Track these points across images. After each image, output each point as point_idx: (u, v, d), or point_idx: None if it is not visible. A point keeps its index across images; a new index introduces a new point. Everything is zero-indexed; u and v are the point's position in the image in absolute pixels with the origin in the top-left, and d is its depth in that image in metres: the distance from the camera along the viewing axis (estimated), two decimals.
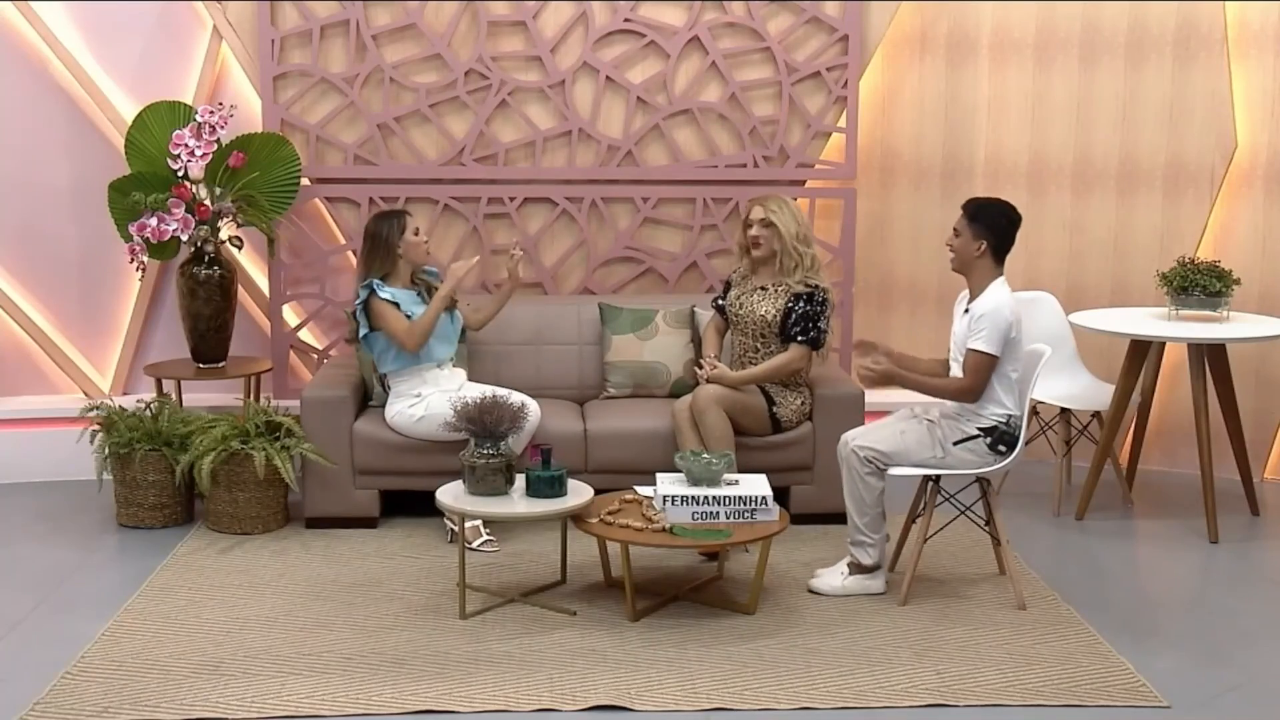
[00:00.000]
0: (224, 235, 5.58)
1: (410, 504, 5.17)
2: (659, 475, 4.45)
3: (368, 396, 5.32)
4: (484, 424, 4.29)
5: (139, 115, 5.55)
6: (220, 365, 5.65)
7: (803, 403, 5.09)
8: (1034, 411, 5.44)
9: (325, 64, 5.81)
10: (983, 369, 4.31)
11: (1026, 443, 4.49)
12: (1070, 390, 5.50)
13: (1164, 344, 5.46)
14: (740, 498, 4.25)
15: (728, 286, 5.22)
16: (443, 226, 5.93)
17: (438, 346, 5.06)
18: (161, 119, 5.52)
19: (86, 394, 5.89)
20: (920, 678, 3.82)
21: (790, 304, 4.95)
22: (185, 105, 5.58)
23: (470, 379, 5.21)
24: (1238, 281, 5.29)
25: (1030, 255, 6.05)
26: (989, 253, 4.38)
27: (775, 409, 5.01)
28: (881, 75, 6.07)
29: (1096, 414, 5.52)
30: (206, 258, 5.50)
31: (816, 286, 4.98)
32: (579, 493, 4.35)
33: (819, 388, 5.16)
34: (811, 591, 4.45)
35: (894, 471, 4.38)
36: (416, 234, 5.07)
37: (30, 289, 5.94)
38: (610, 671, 3.83)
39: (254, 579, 4.60)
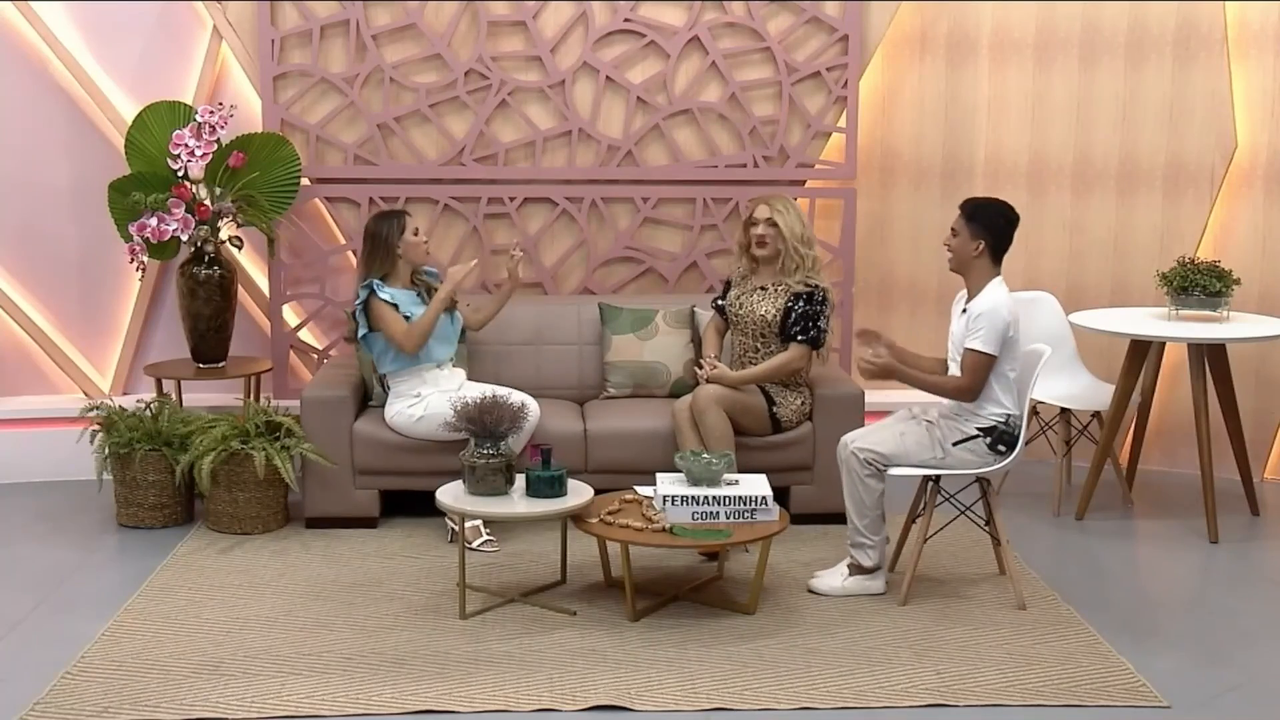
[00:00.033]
0: (224, 235, 5.58)
1: (410, 504, 5.17)
2: (659, 475, 4.45)
3: (368, 396, 5.32)
4: (484, 424, 4.29)
5: (139, 115, 5.56)
6: (220, 365, 5.65)
7: (803, 403, 5.09)
8: (1034, 411, 5.44)
9: (325, 64, 5.81)
10: (980, 368, 4.31)
11: (1026, 443, 4.49)
12: (1070, 390, 5.50)
13: (1164, 344, 5.46)
14: (740, 498, 4.25)
15: (727, 286, 5.22)
16: (443, 226, 5.93)
17: (437, 347, 5.06)
18: (161, 119, 5.52)
19: (86, 394, 5.89)
20: (920, 678, 3.82)
21: (790, 303, 4.95)
22: (185, 105, 5.59)
23: (470, 379, 5.21)
24: (1238, 281, 5.29)
25: (1030, 255, 6.06)
26: (987, 252, 4.38)
27: (775, 409, 5.01)
28: (881, 75, 6.07)
29: (1096, 414, 5.52)
30: (206, 258, 5.50)
31: (816, 286, 4.98)
32: (579, 493, 4.35)
33: (819, 388, 5.17)
34: (811, 592, 4.45)
35: (894, 472, 4.39)
36: (416, 234, 5.07)
37: (30, 289, 5.94)
38: (610, 671, 3.84)
39: (254, 579, 4.60)
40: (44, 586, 4.57)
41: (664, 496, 4.25)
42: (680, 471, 4.38)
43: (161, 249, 5.43)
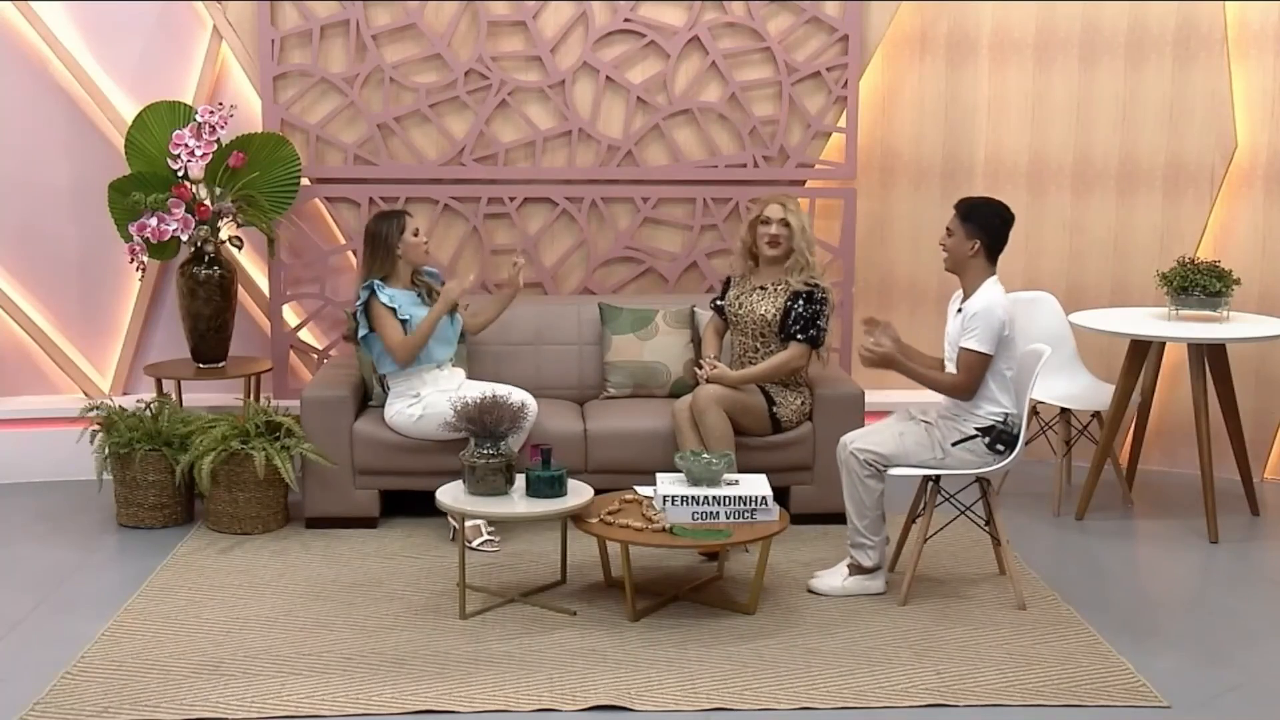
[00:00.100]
0: (224, 235, 5.58)
1: (410, 504, 5.17)
2: (659, 475, 4.45)
3: (367, 396, 5.32)
4: (484, 424, 4.29)
5: (139, 115, 5.56)
6: (220, 365, 5.65)
7: (803, 403, 5.09)
8: (1034, 411, 5.44)
9: (325, 64, 5.81)
10: (976, 367, 4.32)
11: (1026, 443, 4.49)
12: (1070, 390, 5.50)
13: (1164, 344, 5.46)
14: (740, 498, 4.25)
15: (726, 286, 5.22)
16: (443, 226, 5.93)
17: (437, 348, 5.06)
18: (161, 119, 5.52)
19: (86, 394, 5.89)
20: (920, 678, 3.82)
21: (790, 302, 4.95)
22: (185, 105, 5.59)
23: (470, 378, 5.21)
24: (1238, 281, 5.29)
25: (1030, 255, 6.06)
26: (982, 252, 4.38)
27: (775, 409, 5.01)
28: (881, 75, 6.07)
29: (1096, 414, 5.52)
30: (206, 258, 5.50)
31: (816, 285, 4.98)
32: (579, 493, 4.35)
33: (819, 388, 5.17)
34: (811, 592, 4.45)
35: (894, 472, 4.39)
36: (416, 235, 5.07)
37: (30, 289, 5.94)
38: (610, 671, 3.83)
39: (254, 579, 4.60)
40: (44, 586, 4.57)
41: (664, 496, 4.25)
42: (680, 471, 4.38)
43: (161, 249, 5.43)
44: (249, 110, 5.82)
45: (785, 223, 4.98)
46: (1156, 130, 5.90)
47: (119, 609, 4.30)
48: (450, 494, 4.34)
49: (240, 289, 5.77)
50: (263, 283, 6.00)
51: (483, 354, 5.48)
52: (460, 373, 5.18)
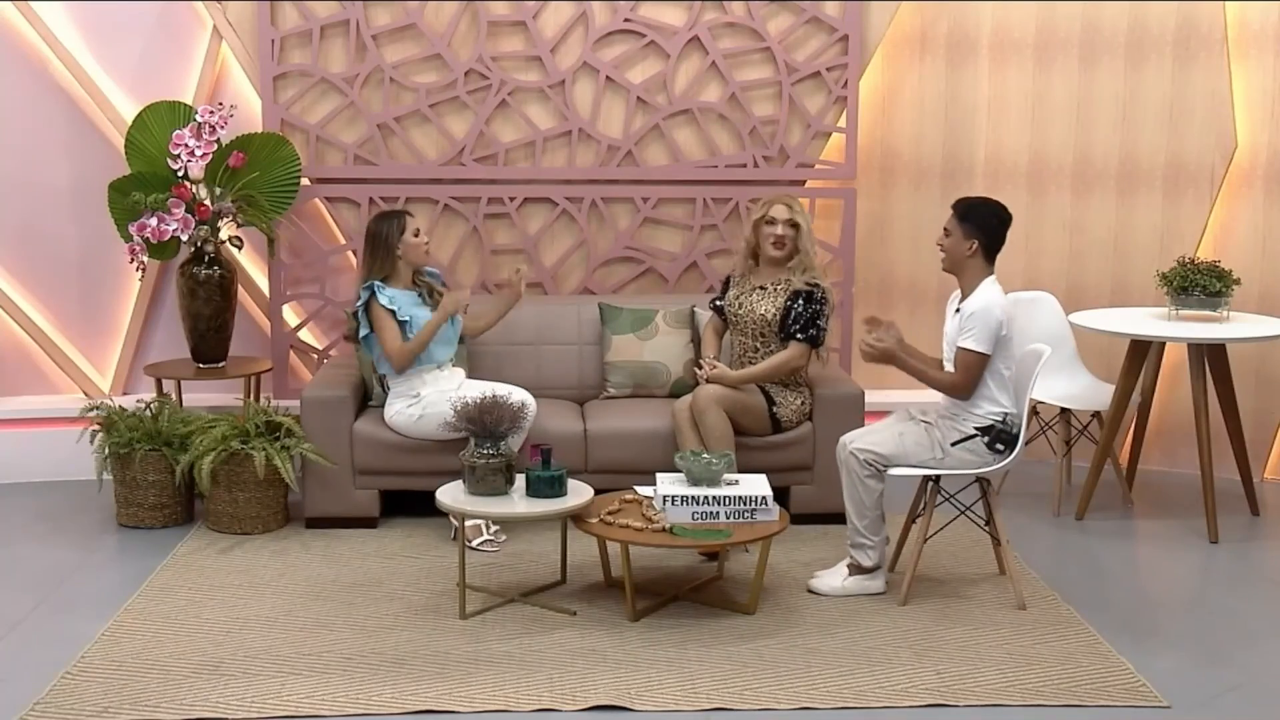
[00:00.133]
0: (224, 235, 5.58)
1: (410, 504, 5.17)
2: (659, 475, 4.45)
3: (367, 396, 5.32)
4: (484, 424, 4.29)
5: (139, 115, 5.56)
6: (220, 365, 5.65)
7: (803, 403, 5.09)
8: (1034, 411, 5.44)
9: (325, 64, 5.81)
10: (973, 367, 4.32)
11: (1026, 443, 4.49)
12: (1070, 390, 5.50)
13: (1164, 344, 5.46)
14: (740, 498, 4.25)
15: (726, 286, 5.22)
16: (443, 226, 5.93)
17: (437, 349, 5.06)
18: (161, 119, 5.52)
19: (86, 394, 5.89)
20: (920, 678, 3.82)
21: (790, 302, 4.95)
22: (185, 105, 5.59)
23: (470, 378, 5.21)
24: (1238, 281, 5.29)
25: (1030, 255, 6.06)
26: (980, 252, 4.38)
27: (775, 409, 5.01)
28: (881, 75, 6.07)
29: (1096, 414, 5.52)
30: (206, 258, 5.50)
31: (817, 285, 4.98)
32: (579, 493, 4.35)
33: (819, 388, 5.17)
34: (811, 592, 4.45)
35: (893, 472, 4.39)
36: (416, 235, 5.07)
37: (30, 289, 5.94)
38: (610, 671, 3.84)
39: (254, 579, 4.60)
40: (44, 586, 4.57)
41: (664, 496, 4.25)
42: (680, 471, 4.38)
43: (161, 249, 5.43)
44: (249, 110, 5.82)
45: (791, 223, 4.98)
46: (1156, 130, 5.90)
47: (119, 609, 4.31)
48: (450, 494, 4.34)
49: (240, 289, 5.77)
50: (263, 283, 6.00)
51: (483, 354, 5.48)
52: (460, 373, 5.18)
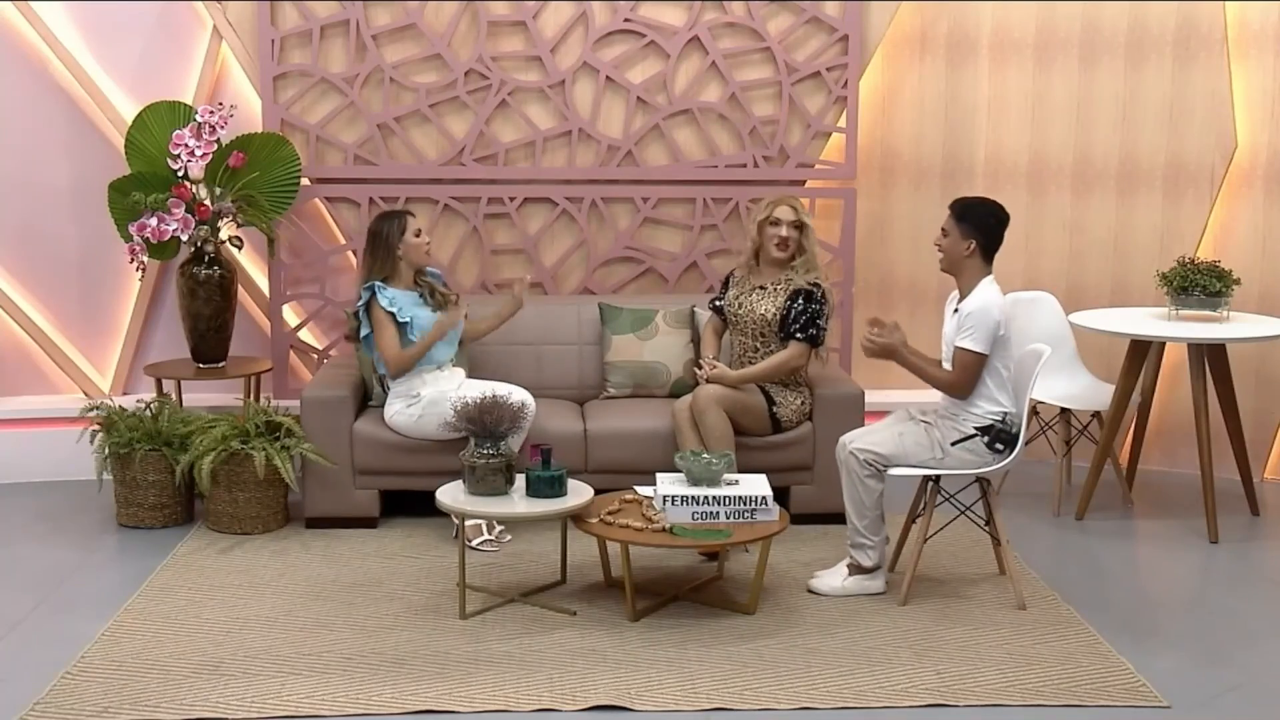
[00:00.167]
0: (224, 235, 5.58)
1: (410, 504, 5.17)
2: (659, 475, 4.45)
3: (367, 396, 5.32)
4: (484, 424, 4.29)
5: (139, 115, 5.56)
6: (220, 365, 5.65)
7: (803, 403, 5.09)
8: (1034, 411, 5.44)
9: (325, 64, 5.81)
10: (971, 367, 4.32)
11: (1026, 443, 4.49)
12: (1070, 390, 5.50)
13: (1164, 344, 5.47)
14: (740, 498, 4.25)
15: (725, 286, 5.22)
16: (443, 226, 5.93)
17: (438, 349, 5.06)
18: (161, 119, 5.52)
19: (86, 394, 5.89)
20: (920, 678, 3.82)
21: (790, 302, 4.95)
22: (185, 105, 5.58)
23: (470, 378, 5.21)
24: (1238, 281, 5.29)
25: (1030, 255, 6.06)
26: (978, 252, 4.38)
27: (775, 409, 5.01)
28: (881, 75, 6.07)
29: (1096, 414, 5.52)
30: (206, 258, 5.50)
31: (818, 284, 4.98)
32: (579, 493, 4.35)
33: (819, 388, 5.17)
34: (811, 592, 4.45)
35: (893, 472, 4.39)
36: (418, 235, 5.06)
37: (30, 289, 5.94)
38: (610, 671, 3.84)
39: (254, 579, 4.60)
40: (44, 586, 4.57)
41: (664, 496, 4.25)
42: (680, 471, 4.38)
43: (161, 249, 5.43)
44: (249, 110, 5.82)
45: (795, 225, 4.98)
46: (1156, 130, 5.90)
47: (119, 609, 4.31)
48: (450, 494, 4.34)
49: (240, 289, 5.77)
50: (263, 283, 6.00)
51: (483, 354, 5.48)
52: (460, 372, 5.18)
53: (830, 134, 5.98)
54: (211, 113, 5.42)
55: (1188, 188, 5.89)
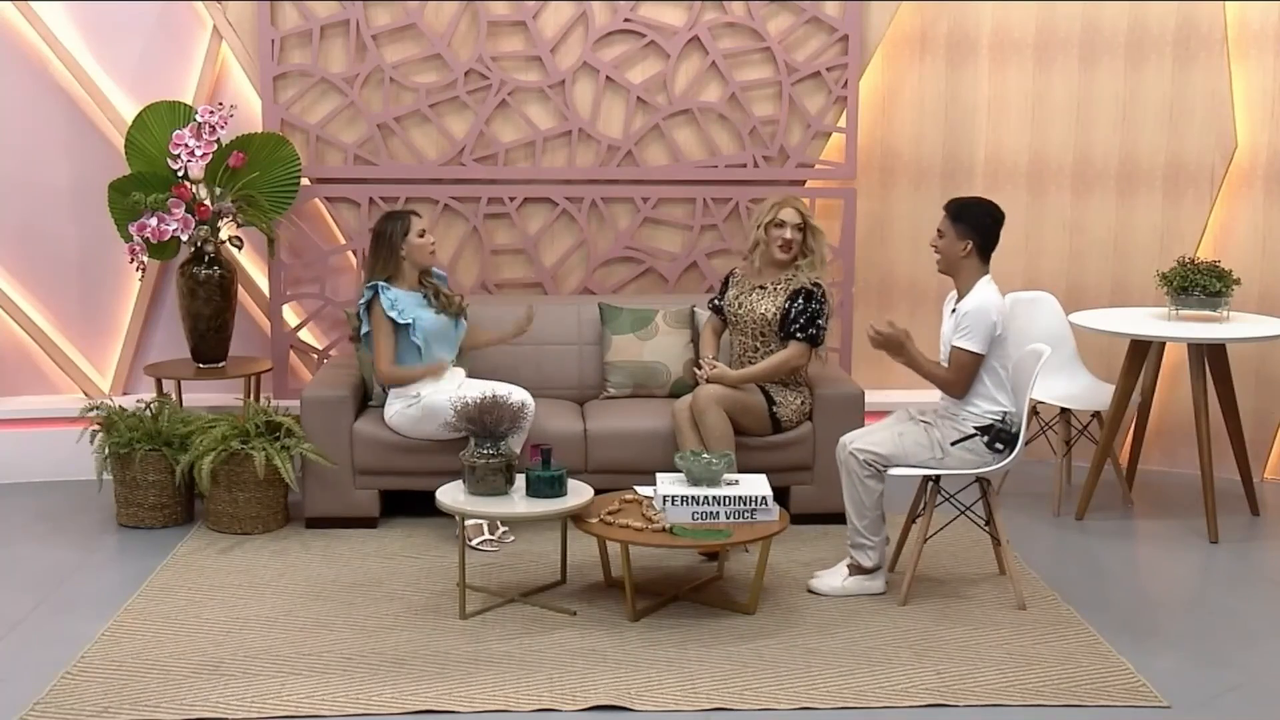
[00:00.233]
0: (224, 235, 5.58)
1: (410, 504, 5.17)
2: (659, 475, 4.45)
3: (368, 396, 5.32)
4: (484, 424, 4.29)
5: (139, 115, 5.55)
6: (220, 365, 5.65)
7: (803, 402, 5.09)
8: (1034, 411, 5.44)
9: (325, 64, 5.81)
10: (968, 366, 4.32)
11: (1026, 443, 4.49)
12: (1070, 390, 5.50)
13: (1164, 344, 5.47)
14: (740, 498, 4.25)
15: (725, 286, 5.22)
16: (443, 226, 5.92)
17: (440, 350, 5.06)
18: (161, 119, 5.52)
19: (86, 394, 5.89)
20: (920, 678, 3.82)
21: (790, 301, 4.95)
22: (185, 105, 5.58)
23: (470, 378, 5.21)
24: (1238, 281, 5.29)
25: (1030, 255, 6.06)
26: (975, 252, 4.38)
27: (775, 409, 5.01)
28: (881, 75, 6.07)
29: (1096, 414, 5.52)
30: (206, 258, 5.50)
31: (818, 284, 4.98)
32: (579, 493, 4.35)
33: (819, 388, 5.16)
34: (811, 592, 4.45)
35: (893, 472, 4.39)
36: (422, 236, 5.06)
37: (30, 289, 5.94)
38: (610, 671, 3.83)
39: (254, 579, 4.60)
40: (44, 586, 4.57)
41: (664, 496, 4.25)
42: (680, 471, 4.38)
43: (161, 249, 5.43)
44: (249, 110, 5.82)
45: (799, 227, 4.98)
46: (1156, 130, 5.91)
47: (119, 609, 4.30)
48: (450, 494, 4.34)
49: (240, 289, 5.77)
50: (263, 283, 6.00)
51: (483, 354, 5.47)
52: (460, 372, 5.18)
53: (830, 134, 5.98)
54: (211, 113, 5.42)
55: (1188, 188, 5.89)
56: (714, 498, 4.23)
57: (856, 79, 5.91)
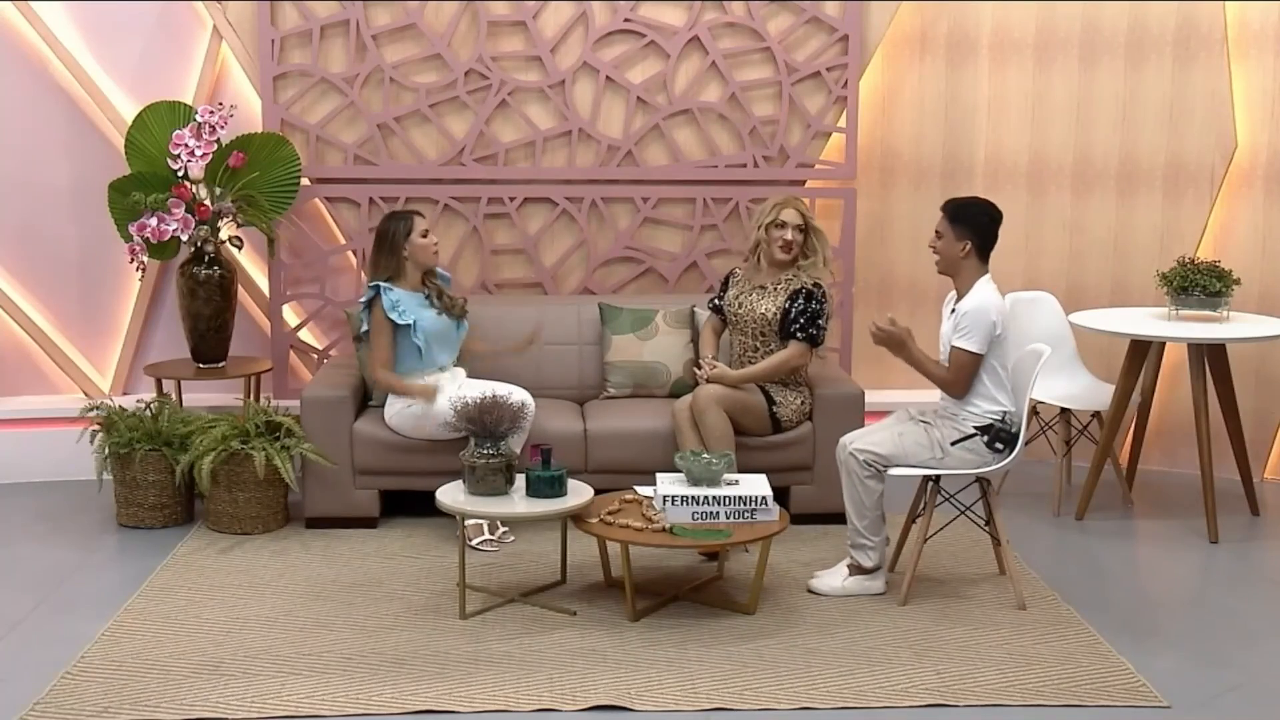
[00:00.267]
0: (224, 235, 5.58)
1: (410, 504, 5.17)
2: (659, 475, 4.45)
3: (368, 396, 5.32)
4: (484, 424, 4.29)
5: (139, 115, 5.55)
6: (220, 365, 5.65)
7: (803, 402, 5.09)
8: (1034, 411, 5.44)
9: (325, 64, 5.81)
10: (967, 366, 4.32)
11: (1026, 443, 4.49)
12: (1070, 390, 5.50)
13: (1164, 344, 5.46)
14: (740, 498, 4.25)
15: (724, 286, 5.22)
16: (443, 226, 5.92)
17: (440, 353, 5.06)
18: (161, 119, 5.52)
19: (86, 394, 5.89)
20: (920, 678, 3.82)
21: (790, 302, 4.95)
22: (185, 105, 5.58)
23: (470, 377, 5.21)
24: (1238, 281, 5.29)
25: (1030, 255, 6.06)
26: (974, 253, 4.38)
27: (775, 409, 5.01)
28: (881, 75, 6.07)
29: (1096, 414, 5.52)
30: (206, 258, 5.50)
31: (819, 284, 4.98)
32: (579, 493, 4.35)
33: (819, 388, 5.16)
34: (811, 592, 4.45)
35: (893, 472, 4.39)
36: (425, 236, 5.05)
37: (30, 289, 5.94)
38: (610, 671, 3.83)
39: (254, 579, 4.60)
40: (44, 586, 4.57)
41: (664, 496, 4.25)
42: (680, 471, 4.38)
43: (161, 249, 5.43)
44: (249, 110, 5.82)
45: (800, 228, 4.98)
46: (1156, 130, 5.91)
47: (119, 609, 4.30)
48: (450, 494, 4.34)
49: (240, 289, 5.77)
50: (263, 283, 6.00)
51: (483, 354, 5.48)
52: (461, 373, 5.18)
53: (830, 134, 5.98)
54: (211, 113, 5.42)
55: (1188, 188, 5.89)
56: (714, 498, 4.23)
57: (856, 79, 5.91)
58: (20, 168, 5.82)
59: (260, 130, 5.72)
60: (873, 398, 5.38)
